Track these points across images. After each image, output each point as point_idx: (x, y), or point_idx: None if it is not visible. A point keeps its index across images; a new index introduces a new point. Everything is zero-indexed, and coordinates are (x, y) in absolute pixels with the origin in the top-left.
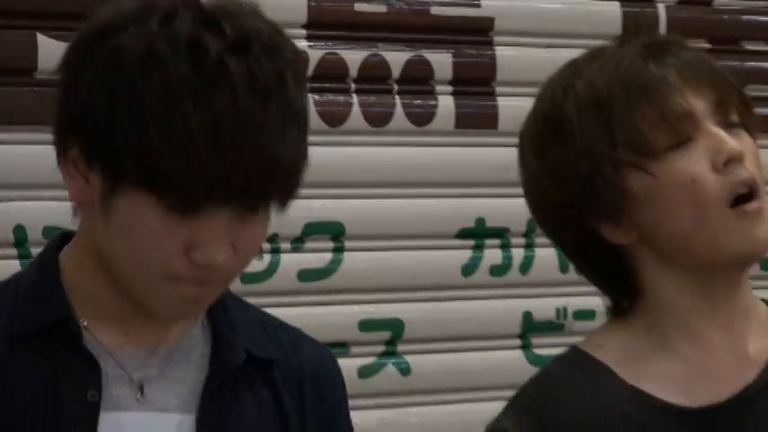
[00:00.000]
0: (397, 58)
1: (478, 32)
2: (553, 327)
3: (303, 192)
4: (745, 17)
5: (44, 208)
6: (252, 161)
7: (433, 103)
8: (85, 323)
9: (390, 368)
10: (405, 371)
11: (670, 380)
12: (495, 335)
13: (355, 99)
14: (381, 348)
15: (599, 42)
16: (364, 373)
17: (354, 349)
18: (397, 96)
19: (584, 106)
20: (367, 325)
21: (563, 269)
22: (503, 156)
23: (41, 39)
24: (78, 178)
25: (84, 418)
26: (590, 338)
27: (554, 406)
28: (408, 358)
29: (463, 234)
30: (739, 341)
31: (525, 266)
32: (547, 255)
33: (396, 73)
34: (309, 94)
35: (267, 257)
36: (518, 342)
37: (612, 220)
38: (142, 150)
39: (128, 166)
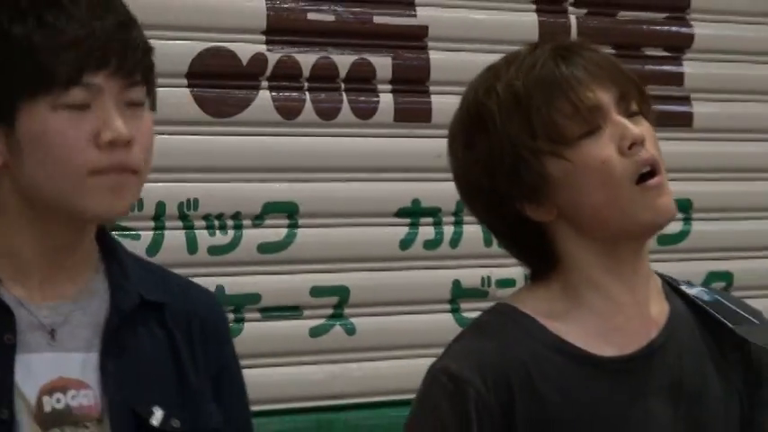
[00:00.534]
0: (343, 60)
1: (414, 38)
2: (479, 293)
3: (262, 176)
4: (644, 26)
5: None
6: (100, 31)
7: (375, 99)
8: (1, 280)
9: (338, 329)
10: (350, 331)
11: (586, 333)
12: (429, 300)
13: (308, 96)
14: (330, 311)
15: (519, 47)
16: (315, 333)
17: (306, 312)
18: (343, 93)
19: (504, 104)
20: (317, 291)
21: (487, 243)
22: (435, 145)
23: None
24: None
25: (2, 360)
26: (514, 297)
27: (491, 350)
28: (353, 320)
29: (401, 213)
30: (643, 302)
31: (455, 241)
32: (473, 231)
33: (343, 73)
34: (267, 91)
35: (231, 233)
36: (448, 307)
37: (535, 201)
38: (26, 65)
39: (17, 91)
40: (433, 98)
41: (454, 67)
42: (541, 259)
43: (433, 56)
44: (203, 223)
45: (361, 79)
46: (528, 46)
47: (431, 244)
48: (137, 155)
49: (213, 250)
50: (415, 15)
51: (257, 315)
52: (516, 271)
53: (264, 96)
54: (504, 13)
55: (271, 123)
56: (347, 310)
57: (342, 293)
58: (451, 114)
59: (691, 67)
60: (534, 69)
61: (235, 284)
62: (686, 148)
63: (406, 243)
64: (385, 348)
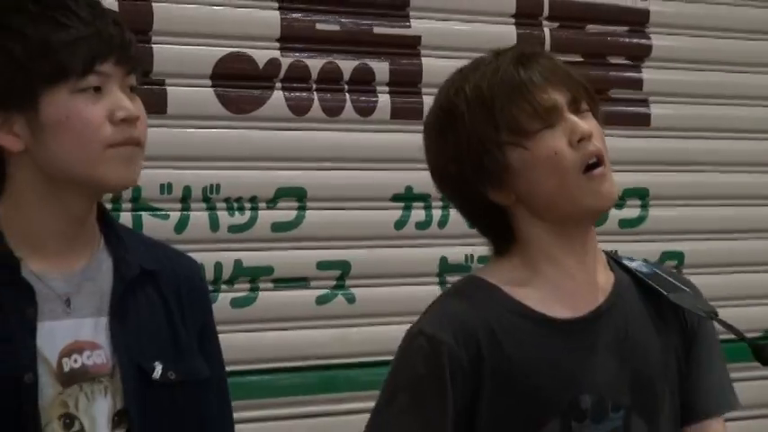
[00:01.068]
0: (347, 65)
1: (409, 47)
2: (462, 268)
3: (275, 165)
4: (609, 38)
5: None
6: (103, 28)
7: (374, 99)
8: (21, 258)
9: (340, 298)
10: (350, 300)
11: (543, 298)
12: (419, 274)
13: (315, 96)
14: (333, 283)
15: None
16: (320, 301)
17: (313, 283)
18: (347, 94)
19: (471, 103)
20: (323, 265)
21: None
22: None
23: None
24: (8, 136)
25: (24, 328)
26: (481, 270)
27: (465, 315)
28: (353, 290)
29: (395, 198)
30: (591, 273)
31: (442, 223)
32: (458, 214)
33: (346, 76)
34: (281, 91)
35: (248, 213)
36: (436, 279)
37: (496, 186)
38: (46, 59)
39: (38, 82)
40: (425, 98)
41: (443, 72)
42: (503, 237)
43: (425, 62)
44: (224, 205)
45: (362, 81)
46: (492, 52)
47: (421, 225)
48: (141, 130)
49: (232, 229)
50: (409, 26)
51: (270, 285)
52: None
53: (278, 96)
54: (488, 26)
55: (283, 119)
56: (348, 282)
57: (344, 267)
58: None
59: (649, 74)
60: (498, 73)
61: (251, 258)
62: (644, 145)
63: (399, 224)
64: (380, 315)
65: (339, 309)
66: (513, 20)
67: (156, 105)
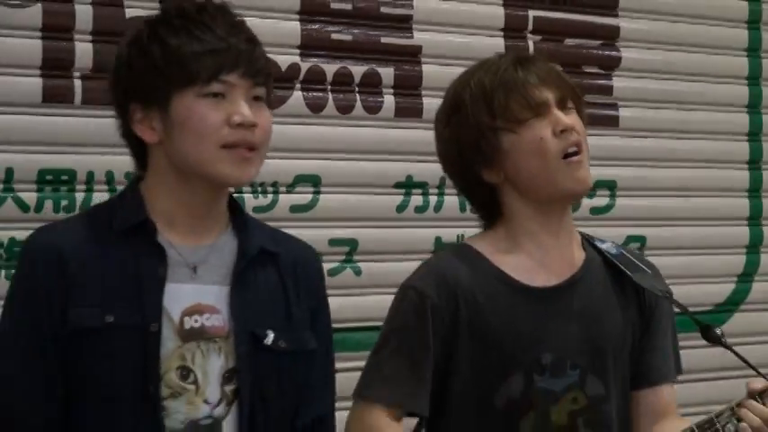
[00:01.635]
0: (358, 70)
1: (411, 55)
2: None
3: (294, 155)
4: (584, 50)
5: (120, 162)
6: (235, 44)
7: (380, 99)
8: (158, 227)
9: (348, 271)
10: (357, 273)
11: (521, 268)
12: (417, 251)
13: (330, 96)
14: (343, 257)
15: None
16: (331, 273)
17: (325, 258)
18: (357, 94)
19: (474, 95)
20: (334, 242)
21: (462, 209)
22: (425, 135)
23: None
24: (147, 129)
25: (155, 286)
26: (471, 239)
27: (449, 275)
28: (360, 264)
29: (397, 185)
30: (566, 248)
31: (437, 207)
32: (452, 200)
33: (357, 79)
34: (300, 92)
35: (270, 197)
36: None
37: (489, 166)
38: (179, 66)
39: (171, 84)
40: (424, 100)
41: (441, 77)
42: (492, 212)
43: (425, 68)
44: (249, 189)
45: (371, 84)
46: (496, 54)
47: (419, 209)
48: (258, 136)
49: (256, 209)
50: (412, 37)
51: None
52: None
53: (297, 96)
54: (479, 38)
55: (302, 116)
56: (356, 257)
57: (352, 244)
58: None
59: (618, 82)
60: (499, 72)
61: None
62: (613, 143)
63: (401, 208)
64: (383, 286)
65: (348, 280)
66: (501, 33)
67: None
